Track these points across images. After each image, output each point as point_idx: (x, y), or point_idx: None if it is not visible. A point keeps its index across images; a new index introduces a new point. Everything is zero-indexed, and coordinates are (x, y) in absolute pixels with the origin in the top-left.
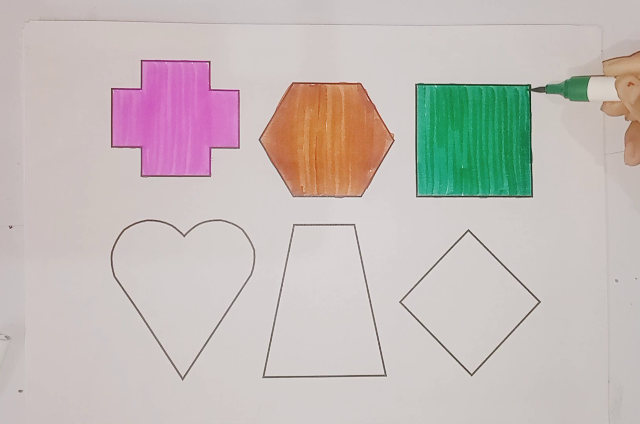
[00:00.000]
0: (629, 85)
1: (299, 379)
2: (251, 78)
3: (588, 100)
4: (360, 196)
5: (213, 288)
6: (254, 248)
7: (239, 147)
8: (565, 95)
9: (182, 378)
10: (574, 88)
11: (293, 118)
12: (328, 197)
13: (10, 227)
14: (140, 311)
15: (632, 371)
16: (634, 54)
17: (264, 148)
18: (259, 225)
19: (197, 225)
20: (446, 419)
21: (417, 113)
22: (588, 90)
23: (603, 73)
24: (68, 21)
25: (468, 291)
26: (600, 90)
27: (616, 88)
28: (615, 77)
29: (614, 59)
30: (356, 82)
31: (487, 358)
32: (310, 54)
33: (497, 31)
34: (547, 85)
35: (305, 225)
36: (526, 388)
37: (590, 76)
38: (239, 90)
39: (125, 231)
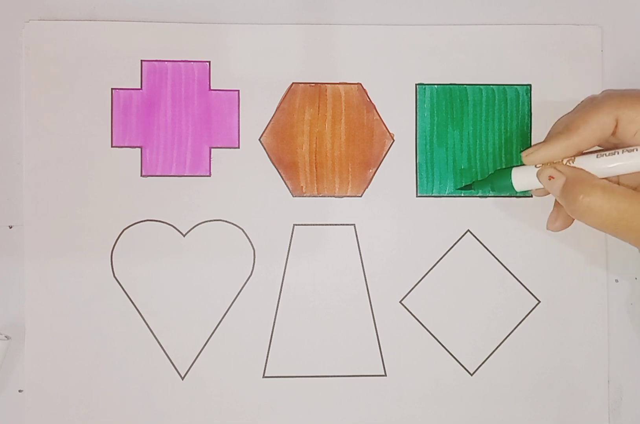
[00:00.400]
0: (549, 179)
1: (299, 379)
2: (251, 78)
3: (516, 192)
4: (360, 196)
5: (213, 288)
6: (254, 248)
7: (239, 147)
8: (492, 190)
9: (182, 378)
10: (498, 181)
11: (293, 118)
12: (328, 197)
13: (10, 227)
14: (140, 311)
15: (632, 371)
16: (547, 138)
17: (264, 148)
18: (259, 225)
19: (197, 225)
20: (446, 419)
21: (417, 113)
22: (513, 182)
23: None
24: (68, 21)
25: (468, 291)
26: (525, 180)
27: (540, 182)
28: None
29: (531, 147)
30: (356, 82)
31: (487, 358)
32: (310, 54)
33: (497, 31)
34: (473, 182)
35: (305, 225)
36: (526, 388)
37: (512, 167)
38: (239, 90)
39: (125, 231)
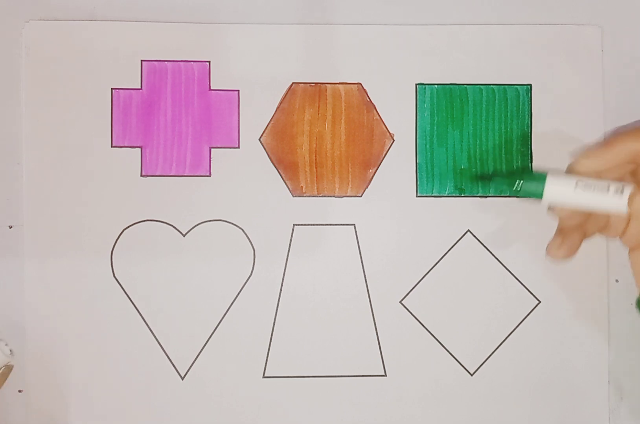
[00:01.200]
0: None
1: (299, 379)
2: (251, 78)
3: (540, 198)
4: (360, 196)
5: (213, 288)
6: (254, 248)
7: (239, 147)
8: (515, 191)
9: (182, 378)
10: (528, 183)
11: (293, 118)
12: (328, 197)
13: (10, 227)
14: (140, 311)
15: (632, 372)
16: (609, 141)
17: (264, 148)
18: (259, 225)
19: (197, 225)
20: (446, 419)
21: (417, 113)
22: (545, 189)
23: (570, 169)
24: (68, 21)
25: (468, 291)
26: (561, 191)
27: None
28: (578, 174)
29: (588, 151)
30: (356, 82)
31: (487, 358)
32: (310, 54)
33: (497, 31)
34: (493, 174)
35: (305, 225)
36: (526, 388)
37: (548, 172)
38: (239, 90)
39: (125, 231)
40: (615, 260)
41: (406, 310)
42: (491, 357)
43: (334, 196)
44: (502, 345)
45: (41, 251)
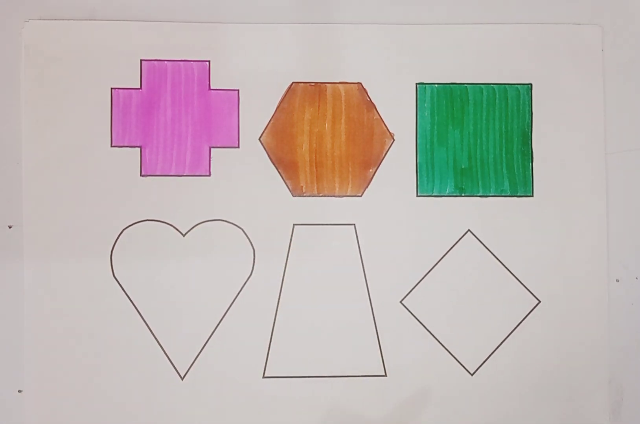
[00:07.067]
0: None
1: (299, 379)
2: (251, 78)
3: None
4: (360, 196)
5: (213, 288)
6: (254, 248)
7: (238, 147)
8: None
9: (182, 378)
10: None
11: (293, 118)
12: (328, 196)
13: (10, 227)
14: (140, 311)
15: (633, 371)
16: None
17: (264, 148)
18: (259, 225)
19: (197, 225)
20: (446, 419)
21: (418, 113)
22: None
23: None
24: (68, 21)
25: (468, 291)
26: None
27: None
28: None
29: None
30: (356, 81)
31: (487, 358)
32: (310, 54)
33: (497, 31)
34: None
35: (305, 225)
36: (526, 388)
37: None
38: (238, 90)
39: (125, 231)
40: (615, 260)
41: (406, 310)
42: (491, 357)
43: (334, 196)
44: (502, 345)
45: (41, 251)
